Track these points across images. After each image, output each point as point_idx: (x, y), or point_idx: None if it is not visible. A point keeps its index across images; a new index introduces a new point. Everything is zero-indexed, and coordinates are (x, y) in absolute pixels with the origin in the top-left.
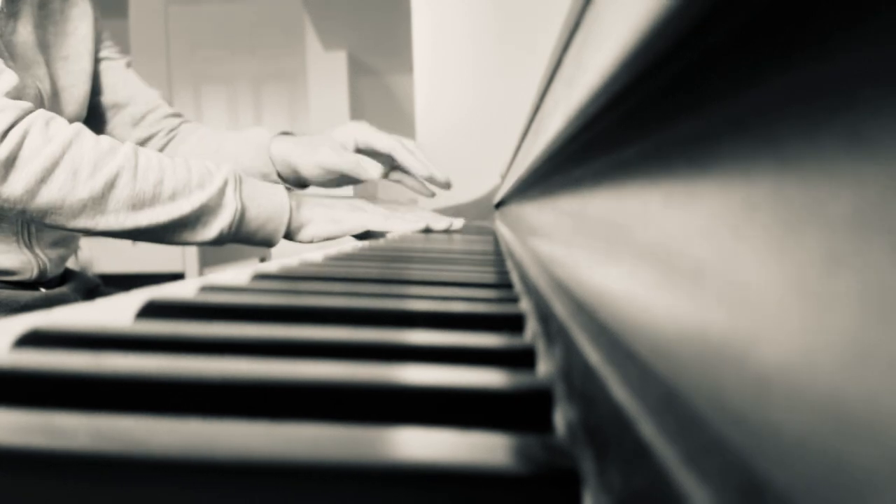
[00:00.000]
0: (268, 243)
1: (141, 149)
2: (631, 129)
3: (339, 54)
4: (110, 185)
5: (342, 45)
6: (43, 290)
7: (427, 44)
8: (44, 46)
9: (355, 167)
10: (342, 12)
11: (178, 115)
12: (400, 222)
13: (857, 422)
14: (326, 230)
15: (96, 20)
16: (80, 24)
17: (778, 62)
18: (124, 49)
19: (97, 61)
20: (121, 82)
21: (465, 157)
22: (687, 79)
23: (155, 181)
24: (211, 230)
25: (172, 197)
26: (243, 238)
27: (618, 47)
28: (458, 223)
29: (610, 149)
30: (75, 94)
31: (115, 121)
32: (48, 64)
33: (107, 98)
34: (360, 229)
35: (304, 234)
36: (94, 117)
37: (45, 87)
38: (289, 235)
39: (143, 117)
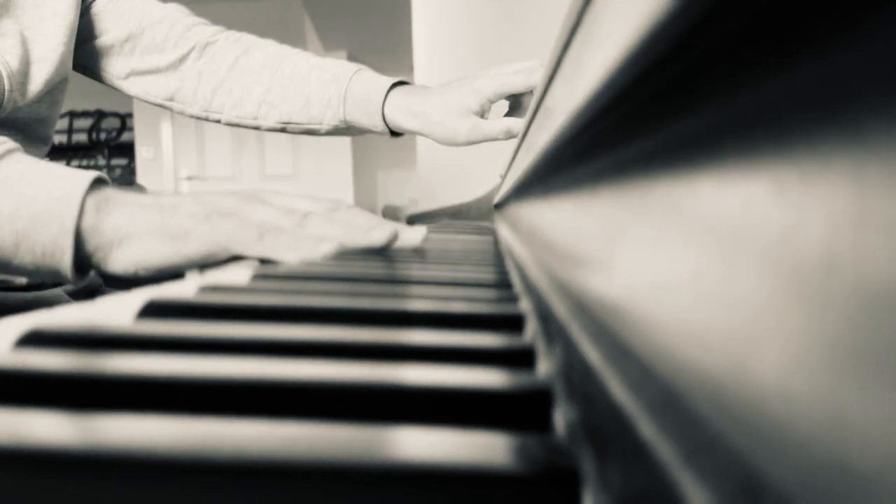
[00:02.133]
0: (53, 272)
1: None
2: (631, 128)
3: (340, 55)
4: None
5: (342, 46)
6: (35, 291)
7: (427, 44)
8: (14, 7)
9: (279, 248)
10: (342, 13)
11: (206, 24)
12: (288, 242)
13: (857, 422)
14: (157, 254)
15: None
16: None
17: (779, 62)
18: None
19: (87, 6)
20: (125, 13)
21: (465, 157)
22: (687, 78)
23: None
24: None
25: None
26: None
27: (618, 47)
28: (410, 236)
29: (610, 148)
30: (48, 56)
31: (136, 53)
32: (20, 30)
33: (114, 35)
34: (218, 252)
35: (118, 258)
36: (107, 58)
37: (13, 62)
38: (87, 260)
39: (164, 40)
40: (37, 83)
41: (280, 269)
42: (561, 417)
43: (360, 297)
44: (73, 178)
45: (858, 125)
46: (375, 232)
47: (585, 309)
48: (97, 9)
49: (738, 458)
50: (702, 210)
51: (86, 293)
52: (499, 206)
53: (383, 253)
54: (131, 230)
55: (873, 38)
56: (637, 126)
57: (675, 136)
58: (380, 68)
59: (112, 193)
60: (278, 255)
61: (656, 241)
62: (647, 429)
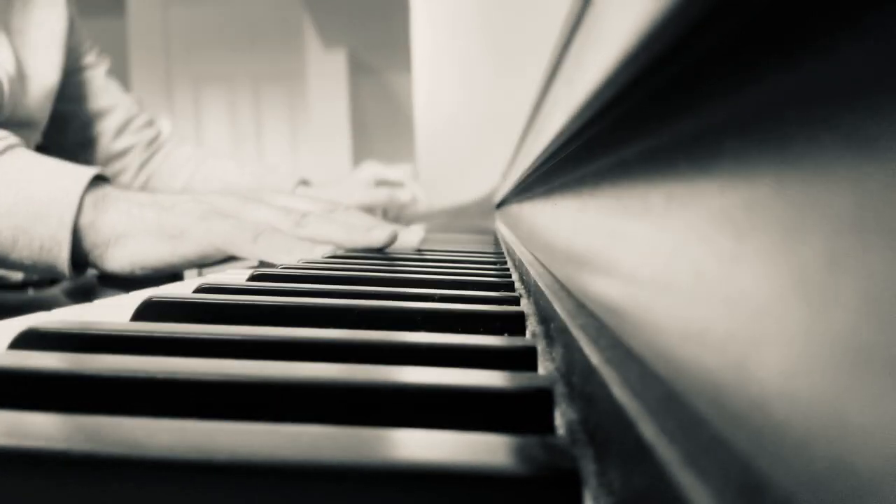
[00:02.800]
0: (48, 268)
1: None
2: (632, 128)
3: (339, 53)
4: None
5: (342, 44)
6: (31, 291)
7: (426, 43)
8: (9, 31)
9: (273, 250)
10: (342, 11)
11: (153, 125)
12: (283, 243)
13: (858, 422)
14: (154, 252)
15: (72, 21)
16: (49, 14)
17: (779, 61)
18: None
19: (80, 68)
20: (103, 89)
21: (465, 156)
22: (688, 78)
23: None
24: None
25: None
26: None
27: (618, 47)
28: (409, 237)
29: (611, 148)
30: (44, 83)
31: (99, 127)
32: (15, 49)
33: (91, 105)
34: (213, 252)
35: (114, 257)
36: (79, 125)
37: (10, 69)
38: (84, 257)
39: (126, 125)
40: (34, 92)
41: (278, 270)
42: (561, 418)
43: (359, 297)
44: (74, 175)
45: (859, 125)
46: (375, 232)
47: (586, 309)
48: (82, 77)
49: (739, 458)
50: (703, 210)
51: (83, 293)
52: (499, 206)
53: (382, 253)
54: (128, 228)
55: (873, 38)
56: (637, 126)
57: (676, 135)
58: (380, 67)
59: (111, 191)
60: (272, 256)
61: (657, 241)
62: (647, 429)
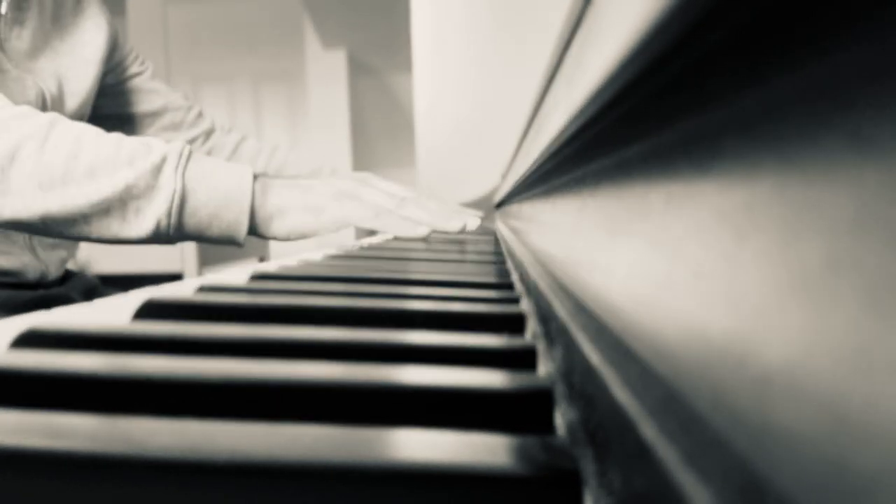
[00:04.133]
0: (230, 240)
1: (64, 119)
2: (632, 128)
3: (339, 53)
4: (10, 157)
5: (342, 44)
6: (42, 290)
7: (426, 43)
8: (53, 51)
9: (389, 225)
10: (342, 11)
11: (202, 116)
12: (396, 221)
13: (858, 422)
14: (304, 223)
15: (114, 37)
16: (93, 38)
17: (779, 61)
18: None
19: (129, 77)
20: (151, 94)
21: (465, 156)
22: (687, 78)
23: (67, 154)
24: (145, 220)
25: (90, 174)
26: (193, 232)
27: (618, 46)
28: (473, 222)
29: (611, 148)
30: (80, 94)
31: (153, 129)
32: (58, 69)
33: (143, 108)
34: (342, 223)
35: (276, 227)
36: (133, 127)
37: (51, 87)
38: (254, 230)
39: (180, 124)
40: (69, 112)
41: (278, 270)
42: (562, 418)
43: (358, 297)
44: (240, 172)
45: (859, 125)
46: (454, 221)
47: (586, 309)
48: (132, 84)
49: (740, 458)
50: (703, 210)
51: (85, 293)
52: (499, 206)
53: (381, 253)
54: (283, 206)
55: (873, 37)
56: (637, 126)
57: (676, 135)
58: (380, 67)
59: (267, 181)
60: (388, 229)
61: (658, 241)
62: (647, 429)
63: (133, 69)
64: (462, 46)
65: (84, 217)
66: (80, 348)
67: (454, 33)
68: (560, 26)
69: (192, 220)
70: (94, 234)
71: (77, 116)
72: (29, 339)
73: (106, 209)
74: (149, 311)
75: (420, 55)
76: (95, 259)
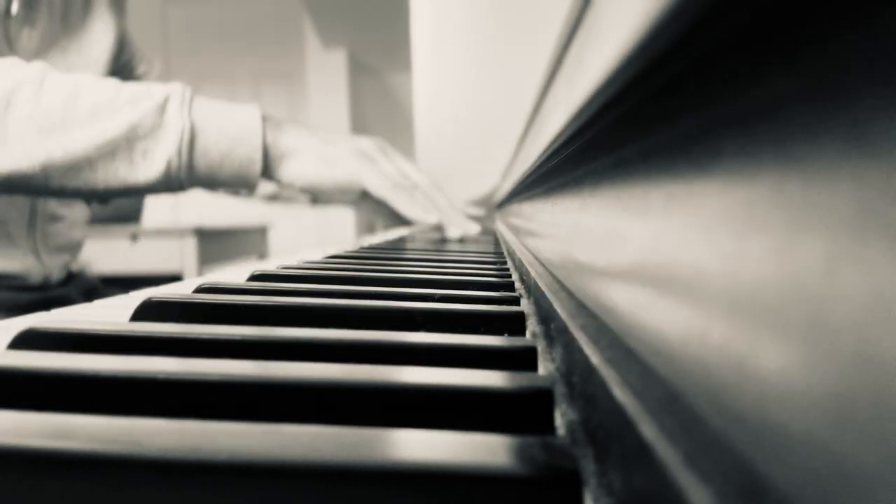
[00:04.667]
0: (243, 181)
1: (54, 69)
2: (632, 128)
3: (339, 53)
4: (4, 103)
5: (342, 44)
6: (43, 291)
7: (427, 43)
8: (62, 51)
9: (401, 202)
10: (342, 11)
11: None
12: (409, 200)
13: (858, 422)
14: (317, 170)
15: (122, 35)
16: (101, 38)
17: (779, 61)
18: None
19: (136, 78)
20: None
21: (465, 156)
22: (687, 78)
23: (67, 96)
24: (154, 162)
25: (92, 116)
26: (204, 173)
27: (618, 46)
28: (473, 229)
29: (611, 148)
30: None
31: None
32: (65, 68)
33: None
34: (356, 183)
35: (288, 170)
36: None
37: None
38: (266, 168)
39: None
40: None
41: (278, 270)
42: (562, 418)
43: (359, 297)
44: (247, 110)
45: (859, 125)
46: (457, 227)
47: (586, 309)
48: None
49: (740, 458)
50: (703, 210)
51: (85, 293)
52: (500, 206)
53: (381, 253)
54: (299, 148)
55: (872, 37)
56: (637, 125)
57: (676, 135)
58: (380, 67)
59: (278, 120)
60: (399, 206)
61: (658, 241)
62: (648, 429)
63: (140, 69)
64: (462, 46)
65: (89, 162)
66: (78, 348)
67: (454, 33)
68: (560, 26)
69: (203, 160)
70: (101, 182)
71: None
72: (27, 340)
73: (111, 152)
74: (148, 310)
75: (420, 55)
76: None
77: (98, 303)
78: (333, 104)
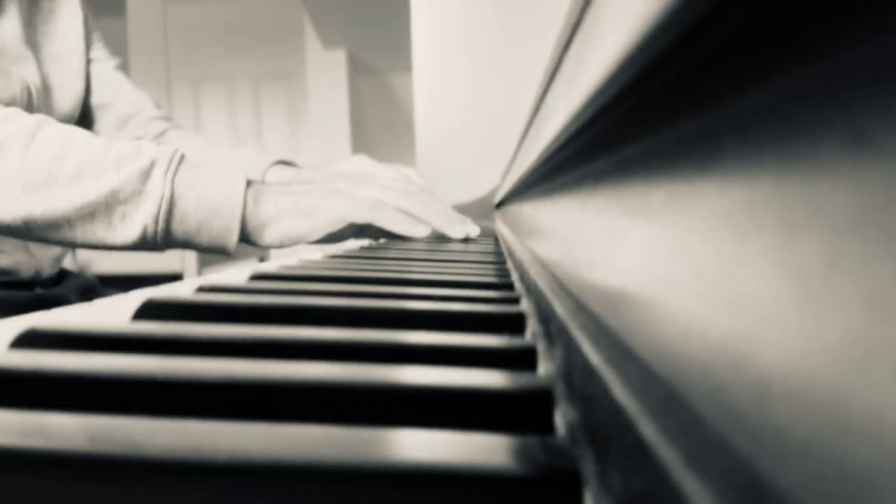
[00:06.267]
0: (220, 249)
1: (53, 121)
2: (632, 128)
3: (339, 53)
4: None
5: (342, 44)
6: (39, 290)
7: (427, 43)
8: (33, 45)
9: (385, 220)
10: (342, 11)
11: (167, 119)
12: (393, 216)
13: (858, 423)
14: (297, 229)
15: (86, 19)
16: (70, 23)
17: (780, 61)
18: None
19: (88, 62)
20: (105, 83)
21: (465, 156)
22: (688, 78)
23: (53, 155)
24: (132, 226)
25: (75, 177)
26: (181, 239)
27: (618, 47)
28: (473, 230)
29: (611, 148)
30: (68, 92)
31: (101, 123)
32: (39, 62)
33: (93, 99)
34: (339, 222)
35: (270, 235)
36: (84, 119)
37: (35, 82)
38: (246, 238)
39: (128, 119)
40: (60, 102)
41: (278, 270)
42: (562, 418)
43: (359, 297)
44: (232, 179)
45: (859, 125)
46: (456, 226)
47: (586, 309)
48: (92, 67)
49: (740, 458)
50: (703, 210)
51: (87, 292)
52: (499, 206)
53: (381, 253)
54: (276, 213)
55: (872, 37)
56: (637, 125)
57: (677, 135)
58: (380, 67)
59: (260, 188)
60: (384, 224)
61: (658, 242)
62: (648, 430)
63: (92, 53)
64: (462, 46)
65: (68, 221)
66: (79, 348)
67: (454, 33)
68: (560, 26)
69: (180, 228)
70: (79, 240)
71: (68, 117)
72: (28, 339)
73: (91, 213)
74: (148, 311)
75: (420, 55)
76: (95, 259)
77: (98, 303)
78: (333, 104)
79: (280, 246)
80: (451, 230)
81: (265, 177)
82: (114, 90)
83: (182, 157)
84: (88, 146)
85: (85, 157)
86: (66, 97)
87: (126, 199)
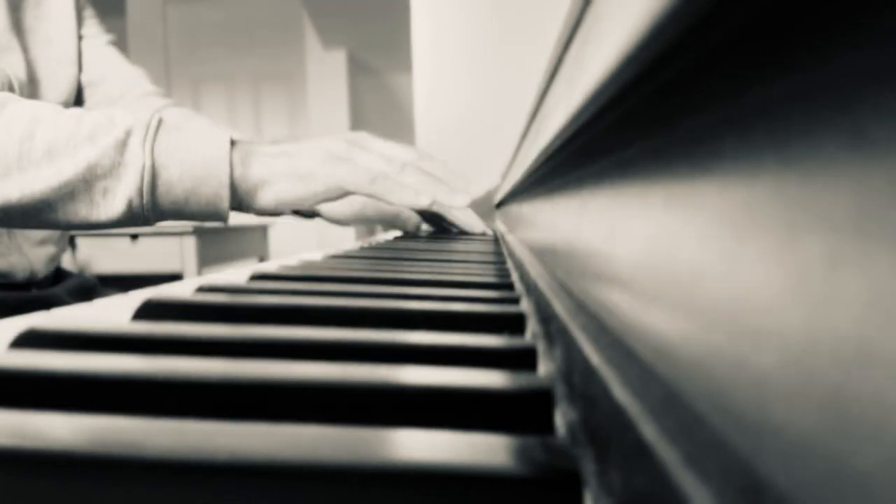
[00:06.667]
0: (213, 216)
1: (18, 99)
2: (632, 128)
3: (339, 53)
4: None
5: (341, 44)
6: (35, 290)
7: (426, 43)
8: (21, 29)
9: (387, 192)
10: (341, 11)
11: (164, 97)
12: (394, 187)
13: (858, 423)
14: (292, 192)
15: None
16: (60, 7)
17: (780, 61)
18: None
19: (80, 38)
20: (96, 59)
21: (465, 156)
22: (688, 78)
23: (22, 135)
24: (115, 201)
25: (48, 156)
26: (170, 210)
27: (618, 47)
28: (463, 200)
29: (611, 149)
30: (60, 78)
31: (91, 100)
32: (25, 49)
33: (83, 76)
34: (336, 191)
35: (262, 199)
36: (77, 101)
37: (20, 74)
38: (238, 203)
39: (119, 97)
40: (51, 90)
41: (278, 270)
42: (562, 418)
43: (359, 297)
44: (216, 141)
45: (860, 125)
46: (459, 196)
47: (586, 309)
48: (82, 44)
49: (740, 458)
50: (703, 210)
51: (84, 293)
52: (499, 206)
53: (381, 252)
54: (269, 175)
55: (872, 37)
56: (637, 126)
57: (676, 135)
58: (380, 67)
59: (248, 147)
60: (386, 196)
61: (658, 242)
62: (648, 430)
63: (82, 30)
64: (462, 46)
65: (48, 204)
66: (79, 348)
67: (454, 33)
68: (560, 26)
69: (166, 198)
70: (63, 221)
71: (65, 92)
72: (28, 339)
73: (70, 193)
74: (148, 311)
75: (420, 55)
76: (95, 259)
77: (98, 303)
78: (333, 104)
79: (274, 211)
80: (453, 199)
81: None
82: (104, 67)
83: (160, 122)
84: (58, 121)
85: (56, 133)
86: (57, 85)
87: (105, 174)
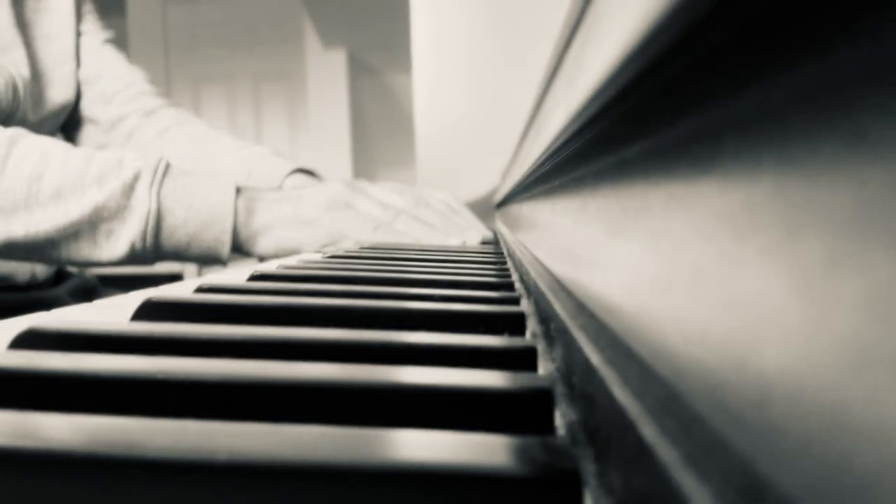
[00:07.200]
0: (213, 260)
1: (28, 135)
2: (632, 128)
3: (339, 53)
4: None
5: (342, 44)
6: (35, 292)
7: (426, 43)
8: (22, 25)
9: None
10: (342, 10)
11: (161, 97)
12: (393, 237)
13: (858, 423)
14: (294, 239)
15: None
16: (60, 2)
17: (780, 61)
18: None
19: (78, 34)
20: (93, 56)
21: (465, 156)
22: (688, 78)
23: (31, 175)
24: (119, 243)
25: (56, 196)
26: (171, 253)
27: (619, 47)
28: (473, 237)
29: (611, 149)
30: (60, 75)
31: (87, 97)
32: (27, 45)
33: (80, 73)
34: (339, 237)
35: (263, 244)
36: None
37: (23, 71)
38: (240, 247)
39: (114, 95)
40: (50, 101)
41: (278, 270)
42: (562, 418)
43: (359, 297)
44: (222, 188)
45: (860, 125)
46: (452, 236)
47: (586, 310)
48: (80, 41)
49: (740, 459)
50: (703, 210)
51: (85, 293)
52: (499, 206)
53: (381, 252)
54: (271, 222)
55: (872, 37)
56: (637, 126)
57: (677, 135)
58: (380, 67)
59: (253, 195)
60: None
61: (658, 242)
62: (648, 430)
63: (81, 27)
64: (462, 46)
65: (51, 242)
66: (79, 348)
67: (454, 33)
68: (560, 26)
69: (169, 242)
70: (64, 259)
71: (63, 100)
72: (28, 339)
73: (75, 233)
74: (148, 311)
75: (420, 55)
76: None
77: (98, 303)
78: (333, 104)
79: (275, 256)
80: (447, 241)
81: (283, 185)
82: (100, 65)
83: (167, 167)
84: (67, 162)
85: (64, 174)
86: (58, 81)
87: (111, 216)
